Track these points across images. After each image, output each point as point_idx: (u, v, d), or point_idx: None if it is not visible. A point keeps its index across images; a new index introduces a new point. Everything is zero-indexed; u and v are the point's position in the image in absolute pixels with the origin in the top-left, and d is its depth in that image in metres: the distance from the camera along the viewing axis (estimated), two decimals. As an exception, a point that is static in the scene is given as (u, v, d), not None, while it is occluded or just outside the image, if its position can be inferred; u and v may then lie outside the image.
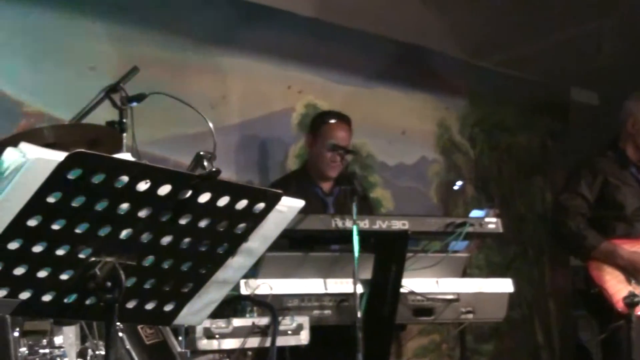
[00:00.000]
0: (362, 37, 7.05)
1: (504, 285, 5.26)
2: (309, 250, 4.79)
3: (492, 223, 5.14)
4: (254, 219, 2.44)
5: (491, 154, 8.18)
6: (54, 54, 5.57)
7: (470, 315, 5.10)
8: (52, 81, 5.53)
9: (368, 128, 7.09)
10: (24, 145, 2.04)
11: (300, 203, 2.54)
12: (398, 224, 4.86)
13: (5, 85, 5.36)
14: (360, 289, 4.61)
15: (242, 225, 2.44)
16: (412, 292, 4.91)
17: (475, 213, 5.29)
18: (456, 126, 7.91)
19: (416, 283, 4.93)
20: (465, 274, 5.23)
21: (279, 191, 2.46)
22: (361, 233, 4.62)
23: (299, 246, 4.79)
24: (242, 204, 2.38)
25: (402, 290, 4.82)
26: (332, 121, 5.80)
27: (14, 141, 2.12)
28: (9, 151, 2.03)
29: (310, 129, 5.92)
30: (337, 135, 5.70)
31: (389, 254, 4.82)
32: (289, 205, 2.50)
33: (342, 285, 4.73)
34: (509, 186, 8.26)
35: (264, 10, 6.49)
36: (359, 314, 4.54)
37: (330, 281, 4.74)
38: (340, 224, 4.75)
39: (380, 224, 4.84)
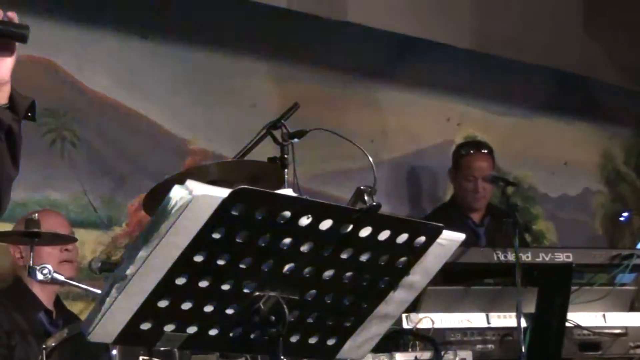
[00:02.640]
0: (521, 68, 6.98)
1: (675, 320, 5.08)
2: (470, 284, 4.74)
3: (661, 255, 4.98)
4: (415, 253, 2.43)
5: (659, 184, 7.96)
6: (217, 92, 5.72)
7: (640, 350, 4.95)
8: (215, 119, 5.68)
9: (529, 159, 7.02)
10: (190, 183, 2.09)
11: (461, 236, 2.52)
12: (562, 257, 4.76)
13: (172, 123, 5.53)
14: (524, 323, 4.53)
15: (403, 259, 2.43)
16: (577, 326, 4.79)
17: (643, 245, 5.15)
18: (621, 156, 7.73)
19: (582, 317, 4.81)
20: (633, 307, 5.08)
21: (440, 224, 2.45)
22: (524, 266, 4.55)
23: (460, 279, 4.75)
24: (402, 237, 2.37)
25: (567, 324, 4.71)
26: (470, 152, 5.77)
27: (180, 179, 2.18)
28: (176, 188, 2.08)
29: (452, 162, 5.91)
30: (475, 165, 5.70)
31: (553, 287, 4.73)
32: (450, 239, 2.48)
33: (505, 319, 4.66)
34: (678, 216, 8.00)
35: (421, 43, 6.50)
36: (524, 349, 4.47)
37: (492, 315, 4.68)
38: (502, 256, 4.69)
39: (544, 257, 4.75)
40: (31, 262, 3.88)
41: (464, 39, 6.72)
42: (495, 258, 4.69)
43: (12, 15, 2.48)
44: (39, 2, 5.15)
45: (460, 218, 5.68)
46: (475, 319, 4.65)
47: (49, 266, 3.79)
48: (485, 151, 5.78)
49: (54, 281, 3.84)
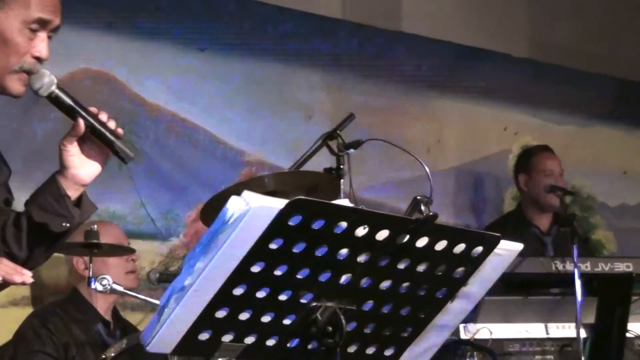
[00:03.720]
0: (579, 76, 6.92)
1: None
2: (528, 294, 4.71)
3: None
4: (473, 263, 2.42)
5: None
6: (273, 103, 5.74)
7: (702, 362, 4.87)
8: (271, 130, 5.70)
9: (588, 169, 6.95)
10: (246, 194, 2.10)
11: (519, 246, 2.50)
12: (622, 266, 4.71)
13: (229, 135, 5.56)
14: (583, 333, 4.49)
15: (460, 269, 2.42)
16: (638, 337, 4.74)
17: None
18: (681, 164, 7.64)
19: (643, 328, 4.76)
20: (695, 317, 5.01)
21: (497, 234, 2.44)
22: (583, 276, 4.51)
23: (519, 289, 4.71)
24: (460, 247, 2.36)
25: (627, 334, 4.66)
26: (541, 152, 5.78)
27: (237, 190, 2.19)
28: (233, 199, 2.09)
29: (519, 169, 5.88)
30: (550, 163, 5.72)
31: (613, 298, 4.68)
32: (508, 249, 2.47)
33: (564, 329, 4.63)
34: None
35: (477, 52, 6.48)
36: (583, 360, 4.43)
37: (551, 325, 4.64)
38: (560, 266, 4.65)
39: (603, 267, 4.71)
40: (90, 272, 3.92)
41: (520, 48, 6.69)
42: (554, 268, 4.65)
43: (121, 132, 2.49)
44: (97, 15, 5.21)
45: (527, 227, 5.65)
46: (534, 330, 4.61)
47: (108, 277, 3.82)
48: (554, 153, 5.83)
49: (112, 292, 3.87)
